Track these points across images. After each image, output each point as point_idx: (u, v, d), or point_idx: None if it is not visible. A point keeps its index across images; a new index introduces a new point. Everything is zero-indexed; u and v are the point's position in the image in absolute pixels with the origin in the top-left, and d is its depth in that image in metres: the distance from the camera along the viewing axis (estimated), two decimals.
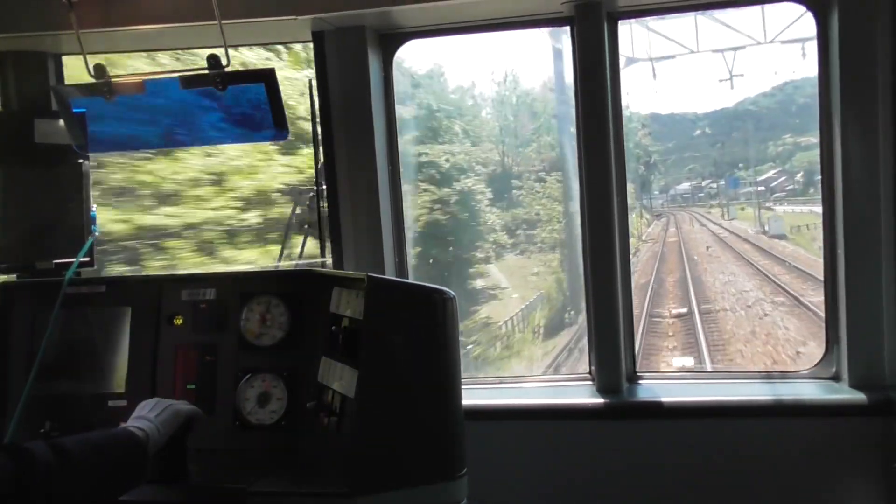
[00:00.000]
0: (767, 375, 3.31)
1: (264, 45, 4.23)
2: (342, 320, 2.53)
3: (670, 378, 3.40)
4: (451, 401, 2.38)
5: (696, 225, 26.42)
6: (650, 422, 3.11)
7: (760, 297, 14.17)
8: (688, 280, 16.33)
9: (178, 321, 2.83)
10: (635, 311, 3.34)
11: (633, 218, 3.45)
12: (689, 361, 10.78)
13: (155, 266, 5.35)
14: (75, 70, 2.61)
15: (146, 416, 2.26)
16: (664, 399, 3.12)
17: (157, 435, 2.22)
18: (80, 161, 3.15)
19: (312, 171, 3.31)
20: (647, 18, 3.36)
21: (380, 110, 3.30)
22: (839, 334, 3.11)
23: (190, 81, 2.67)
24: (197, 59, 3.81)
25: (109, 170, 5.13)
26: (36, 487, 1.83)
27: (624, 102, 3.26)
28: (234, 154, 5.83)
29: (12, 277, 3.12)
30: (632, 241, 3.50)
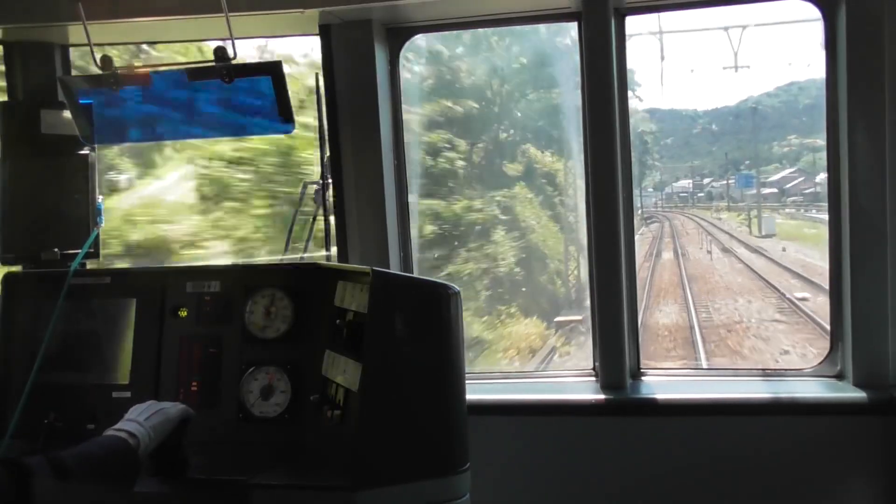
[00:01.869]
0: (772, 373, 3.30)
1: (270, 37, 4.22)
2: (346, 314, 2.53)
3: (674, 375, 3.39)
4: (454, 396, 2.39)
5: (714, 249, 16.53)
6: (653, 419, 3.11)
7: None
8: None
9: (183, 313, 2.83)
10: None
11: None
12: None
13: None
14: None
15: (137, 420, 2.26)
16: (668, 396, 3.12)
17: (147, 439, 2.22)
18: (87, 152, 3.16)
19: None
20: (654, 14, 3.35)
21: (386, 104, 3.30)
22: (843, 333, 3.10)
23: (197, 74, 2.67)
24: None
25: None
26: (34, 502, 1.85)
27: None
28: None
29: (17, 268, 3.12)
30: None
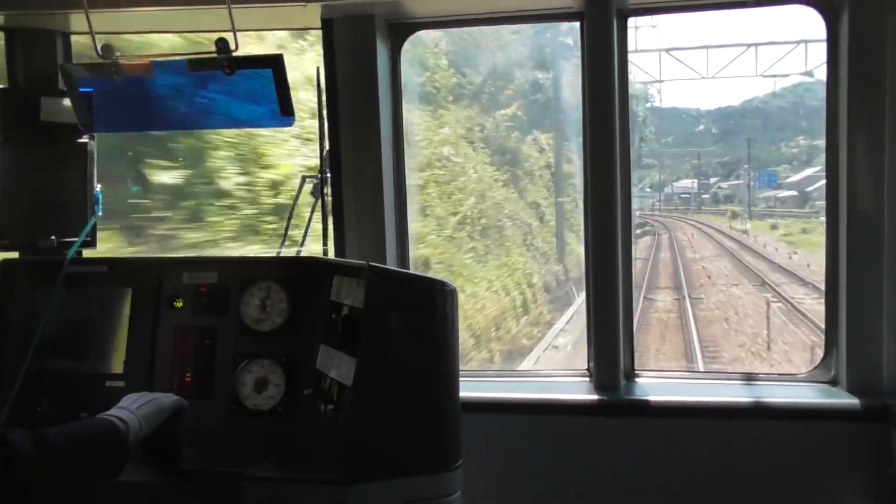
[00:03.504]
0: (766, 378, 3.30)
1: (273, 30, 4.22)
2: (342, 309, 2.53)
3: (668, 377, 3.39)
4: (448, 392, 2.39)
5: None
6: (647, 420, 3.11)
7: None
8: None
9: (179, 304, 2.83)
10: None
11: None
12: None
13: None
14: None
15: (128, 408, 2.25)
16: (661, 398, 3.12)
17: (138, 427, 2.20)
18: (86, 140, 3.15)
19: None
20: (656, 15, 3.37)
21: (386, 99, 3.29)
22: (838, 339, 3.10)
23: (198, 64, 2.66)
24: None
25: None
26: (16, 479, 1.84)
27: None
28: None
29: (14, 255, 3.12)
30: None
